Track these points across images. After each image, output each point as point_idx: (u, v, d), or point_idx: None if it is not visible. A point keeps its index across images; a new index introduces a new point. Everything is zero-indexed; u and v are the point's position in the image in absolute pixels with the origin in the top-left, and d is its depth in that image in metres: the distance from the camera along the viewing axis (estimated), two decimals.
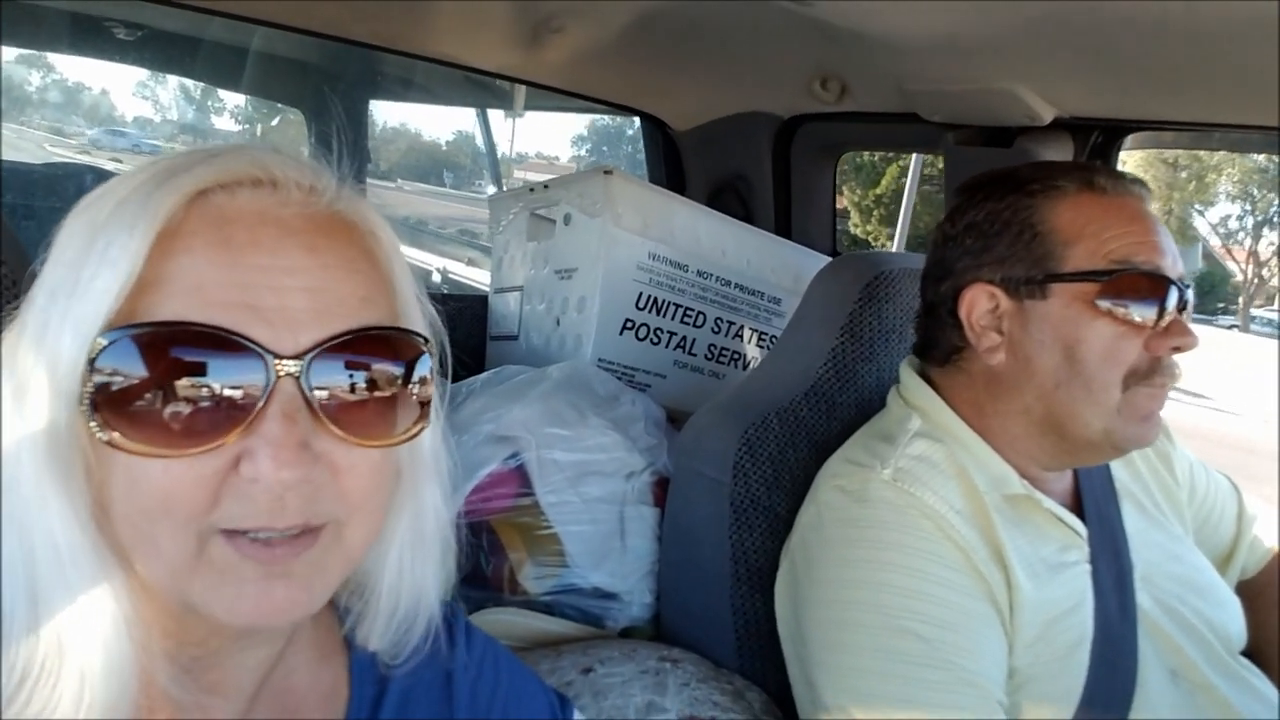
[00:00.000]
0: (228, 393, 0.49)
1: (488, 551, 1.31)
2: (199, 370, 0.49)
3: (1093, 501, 1.13)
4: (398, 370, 0.56)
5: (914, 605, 0.95)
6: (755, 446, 1.19)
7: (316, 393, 0.51)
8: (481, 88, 2.92)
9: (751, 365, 1.90)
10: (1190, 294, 1.03)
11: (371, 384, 0.54)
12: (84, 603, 0.50)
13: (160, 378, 0.49)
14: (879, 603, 0.96)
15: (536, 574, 1.30)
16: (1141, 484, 1.23)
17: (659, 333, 1.73)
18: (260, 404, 0.50)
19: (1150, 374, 1.02)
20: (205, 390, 0.49)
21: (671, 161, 2.28)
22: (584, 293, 1.67)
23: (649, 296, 1.69)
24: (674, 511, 1.30)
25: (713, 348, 1.83)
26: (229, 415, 0.50)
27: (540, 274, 1.82)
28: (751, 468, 1.18)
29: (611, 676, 1.07)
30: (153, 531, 0.50)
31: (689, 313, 1.77)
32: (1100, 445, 1.05)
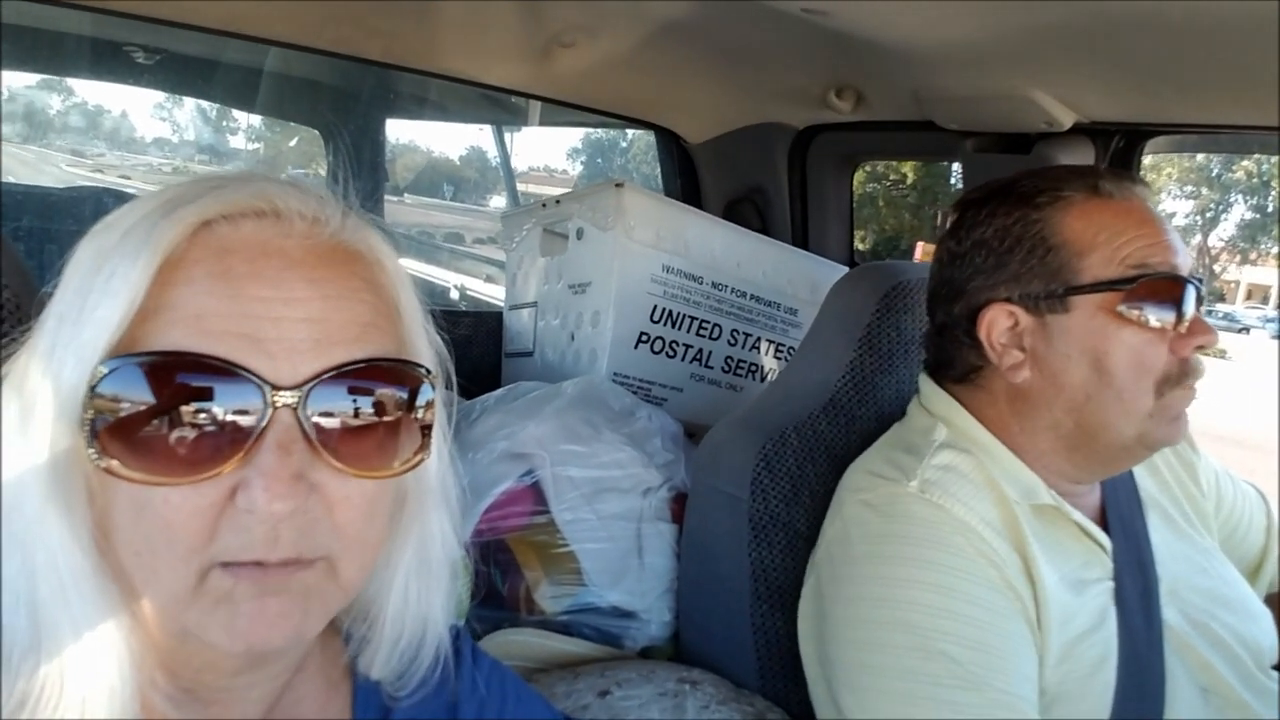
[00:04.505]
0: (225, 422, 0.49)
1: (503, 571, 1.29)
2: (197, 400, 0.49)
3: (1118, 515, 1.10)
4: (398, 401, 0.55)
5: (945, 625, 0.92)
6: (773, 462, 1.17)
7: (314, 423, 0.51)
8: (495, 104, 2.92)
9: (769, 377, 1.88)
10: (1204, 289, 1.01)
11: (371, 415, 0.54)
12: (85, 629, 0.50)
13: (159, 406, 0.49)
14: (909, 622, 0.94)
15: (553, 593, 1.28)
16: (1169, 494, 1.20)
17: (674, 346, 1.72)
18: (256, 434, 0.50)
19: (1182, 377, 1.00)
20: (203, 420, 0.49)
21: (687, 174, 2.27)
22: (598, 307, 1.66)
23: (664, 309, 1.68)
24: (692, 528, 1.28)
25: (729, 360, 1.81)
26: (226, 445, 0.49)
27: (554, 289, 1.81)
28: (770, 483, 1.16)
29: (629, 699, 1.05)
30: (154, 562, 0.50)
31: (704, 325, 1.76)
32: (1132, 449, 1.03)
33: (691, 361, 1.76)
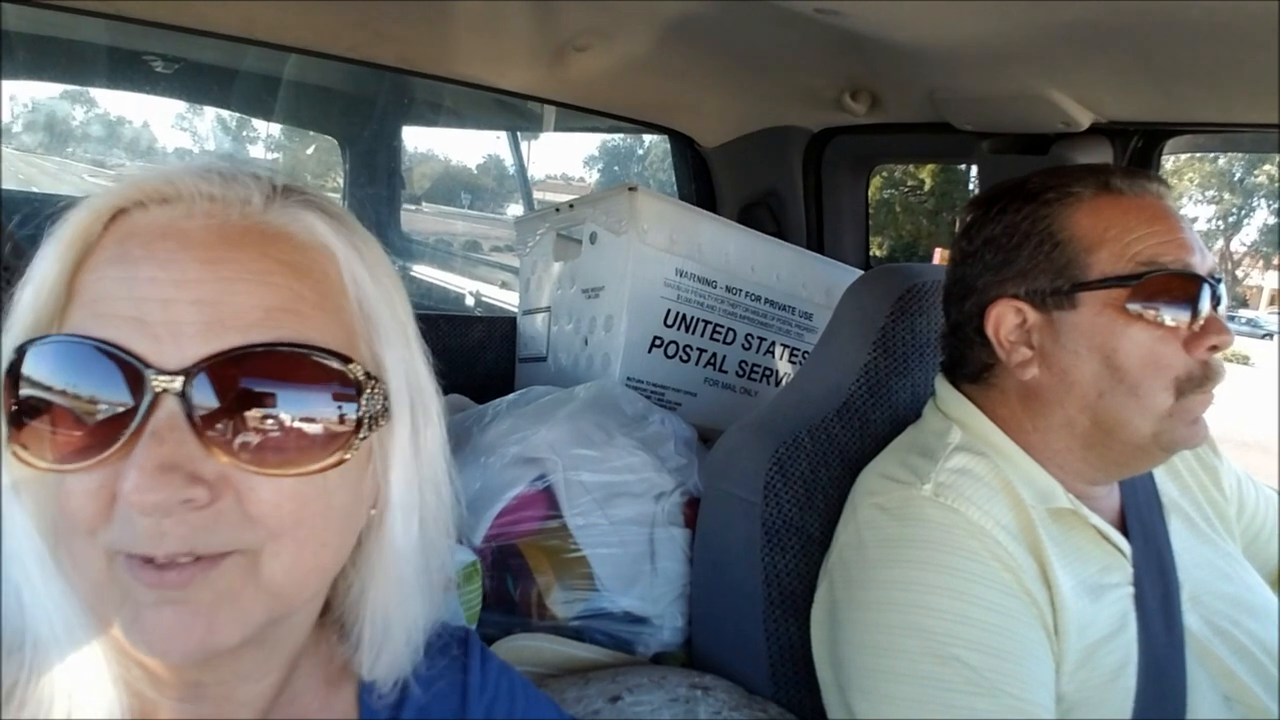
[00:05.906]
0: (109, 408, 0.48)
1: (515, 575, 1.29)
2: (81, 384, 0.49)
3: (1138, 519, 1.08)
4: (310, 394, 0.51)
5: (959, 630, 0.91)
6: (787, 466, 1.16)
7: (200, 411, 0.48)
8: (511, 110, 2.93)
9: (784, 382, 1.86)
10: (1222, 289, 0.99)
11: (273, 406, 0.50)
12: (60, 625, 0.50)
13: (49, 392, 0.49)
14: (922, 627, 0.92)
15: (565, 598, 1.27)
16: (1190, 498, 1.18)
17: (688, 350, 1.71)
18: (136, 422, 0.48)
19: (1204, 380, 0.98)
20: (87, 406, 0.48)
21: (701, 179, 2.26)
22: (611, 311, 1.65)
23: (677, 313, 1.67)
24: (704, 533, 1.27)
25: (744, 364, 1.80)
26: (110, 432, 0.48)
27: (567, 294, 1.81)
28: (783, 488, 1.15)
29: (640, 705, 1.04)
30: (70, 546, 0.49)
31: (718, 329, 1.74)
32: (1149, 449, 1.01)
33: (705, 366, 1.75)
